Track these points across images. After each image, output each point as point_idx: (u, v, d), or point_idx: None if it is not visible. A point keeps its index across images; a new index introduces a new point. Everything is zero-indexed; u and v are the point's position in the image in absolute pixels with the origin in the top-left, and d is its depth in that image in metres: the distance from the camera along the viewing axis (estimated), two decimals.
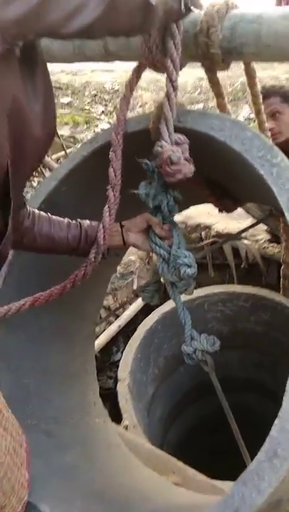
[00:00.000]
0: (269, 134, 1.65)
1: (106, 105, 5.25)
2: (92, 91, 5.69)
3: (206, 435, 2.98)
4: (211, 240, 2.76)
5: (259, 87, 1.32)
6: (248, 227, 1.81)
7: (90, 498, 1.15)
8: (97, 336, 2.44)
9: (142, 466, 1.48)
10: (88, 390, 1.69)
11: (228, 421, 1.28)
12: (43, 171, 3.45)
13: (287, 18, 0.90)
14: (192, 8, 1.02)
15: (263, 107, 1.40)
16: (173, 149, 0.94)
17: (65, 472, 1.24)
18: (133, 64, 1.18)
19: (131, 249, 1.79)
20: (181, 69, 1.09)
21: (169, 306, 2.60)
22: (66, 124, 4.79)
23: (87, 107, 5.27)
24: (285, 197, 0.87)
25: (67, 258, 1.47)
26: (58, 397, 1.51)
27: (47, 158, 3.25)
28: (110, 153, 1.08)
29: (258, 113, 1.41)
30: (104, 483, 1.27)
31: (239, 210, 1.92)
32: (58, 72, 5.61)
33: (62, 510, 1.05)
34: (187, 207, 1.65)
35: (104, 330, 2.49)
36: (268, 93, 1.89)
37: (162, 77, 1.14)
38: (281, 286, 2.42)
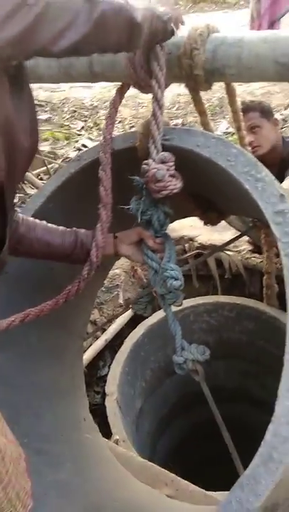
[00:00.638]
0: (249, 148, 1.71)
1: (85, 121, 5.30)
2: (71, 107, 5.74)
3: (195, 446, 2.98)
4: (194, 252, 2.80)
5: (239, 104, 1.38)
6: (233, 238, 1.86)
7: None
8: (84, 351, 2.44)
9: (134, 479, 1.47)
10: (78, 405, 1.68)
11: (216, 431, 1.30)
12: (23, 186, 3.46)
13: (267, 41, 0.96)
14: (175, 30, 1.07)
15: (242, 123, 1.46)
16: (157, 167, 0.98)
17: (59, 489, 1.23)
18: (110, 83, 1.22)
19: (116, 262, 1.79)
20: (165, 88, 1.13)
21: (154, 318, 2.62)
22: (46, 140, 4.82)
23: (66, 123, 5.31)
24: (270, 210, 0.91)
25: (57, 273, 1.48)
26: (48, 413, 1.50)
27: (28, 174, 3.25)
28: (100, 172, 1.11)
29: (238, 129, 1.47)
30: (99, 499, 1.26)
31: (222, 222, 1.97)
32: (36, 88, 5.66)
33: None
34: (173, 221, 1.69)
35: (90, 345, 2.49)
36: (248, 108, 1.97)
37: (140, 94, 1.19)
38: (264, 295, 2.47)
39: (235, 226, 2.58)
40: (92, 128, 5.25)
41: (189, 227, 2.86)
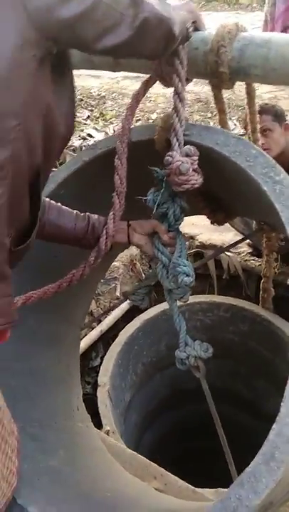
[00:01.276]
0: None
1: (92, 110, 5.26)
2: (78, 95, 5.69)
3: (180, 442, 3.01)
4: (194, 251, 2.81)
5: (257, 106, 1.38)
6: (239, 240, 1.87)
7: (76, 503, 1.15)
8: None
9: (124, 471, 1.48)
10: (72, 394, 1.68)
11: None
12: None
13: None
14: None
15: (258, 125, 1.47)
16: (182, 160, 0.98)
17: (51, 476, 1.23)
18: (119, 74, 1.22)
19: None
20: (187, 83, 1.13)
21: (150, 313, 2.62)
22: None
23: None
24: (286, 213, 0.92)
25: (61, 261, 1.47)
26: (43, 399, 1.50)
27: None
28: (116, 160, 1.11)
29: (253, 131, 1.47)
30: (90, 488, 1.27)
31: None
32: None
33: None
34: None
35: (85, 335, 2.49)
36: (262, 110, 1.98)
37: (151, 88, 1.19)
38: (260, 298, 2.49)
39: (237, 228, 2.60)
40: (98, 118, 5.21)
41: (191, 225, 2.87)
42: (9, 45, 0.71)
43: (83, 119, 4.99)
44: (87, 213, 1.15)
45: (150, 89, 1.19)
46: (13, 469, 1.04)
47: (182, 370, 1.18)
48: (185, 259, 1.04)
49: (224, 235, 2.79)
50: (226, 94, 1.24)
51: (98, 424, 2.06)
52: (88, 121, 5.02)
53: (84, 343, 2.47)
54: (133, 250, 2.85)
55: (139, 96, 1.16)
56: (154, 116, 4.99)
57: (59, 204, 1.14)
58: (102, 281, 2.55)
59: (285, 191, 0.93)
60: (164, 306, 2.58)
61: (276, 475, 0.76)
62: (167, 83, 1.11)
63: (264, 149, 2.15)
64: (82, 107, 5.40)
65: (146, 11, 0.79)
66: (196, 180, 0.96)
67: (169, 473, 1.57)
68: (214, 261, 2.78)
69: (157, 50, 0.89)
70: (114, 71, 1.25)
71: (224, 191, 1.30)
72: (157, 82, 1.19)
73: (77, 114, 5.26)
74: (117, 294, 2.60)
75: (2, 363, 1.38)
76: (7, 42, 0.71)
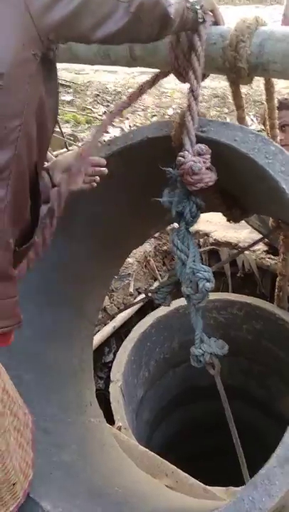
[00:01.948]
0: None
1: (108, 106, 5.25)
2: (94, 91, 5.69)
3: (191, 439, 3.01)
4: (208, 248, 2.78)
5: (276, 101, 1.36)
6: (259, 239, 1.85)
7: (88, 498, 1.16)
8: None
9: (136, 467, 1.49)
10: (85, 389, 1.69)
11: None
12: None
13: None
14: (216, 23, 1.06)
15: (277, 121, 1.44)
16: (194, 160, 0.96)
17: (64, 470, 1.24)
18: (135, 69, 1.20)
19: None
20: (203, 79, 1.11)
21: (163, 310, 2.61)
22: (67, 122, 4.78)
23: (89, 107, 5.26)
24: None
25: (73, 253, 1.48)
26: (57, 394, 1.51)
27: (49, 154, 3.24)
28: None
29: (271, 127, 1.44)
30: (101, 483, 1.27)
31: None
32: (60, 69, 5.58)
33: (63, 509, 1.05)
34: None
35: (98, 330, 2.49)
36: (281, 105, 1.94)
37: (164, 83, 1.18)
38: (276, 297, 2.46)
39: (252, 225, 2.57)
40: None
41: (205, 222, 2.84)
42: (12, 44, 0.72)
43: (99, 115, 4.99)
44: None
45: (166, 84, 1.18)
46: (29, 462, 1.06)
47: (195, 368, 1.17)
48: (201, 263, 1.03)
49: (239, 232, 2.75)
50: (243, 89, 1.22)
51: (110, 420, 2.07)
52: (104, 117, 5.02)
53: (97, 339, 2.48)
54: (147, 247, 2.85)
55: (144, 87, 1.15)
56: (169, 111, 4.96)
57: None
58: (116, 277, 2.54)
59: None
60: (177, 303, 2.57)
61: None
62: (183, 78, 1.10)
63: (283, 145, 2.12)
64: (98, 103, 5.40)
65: None
66: (210, 178, 0.95)
67: (180, 471, 1.57)
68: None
69: (152, 34, 0.89)
70: (131, 67, 1.24)
71: (239, 188, 1.28)
72: (173, 76, 1.17)
73: (93, 109, 5.27)
74: (131, 290, 2.60)
75: (16, 358, 1.39)
76: (9, 42, 0.72)
